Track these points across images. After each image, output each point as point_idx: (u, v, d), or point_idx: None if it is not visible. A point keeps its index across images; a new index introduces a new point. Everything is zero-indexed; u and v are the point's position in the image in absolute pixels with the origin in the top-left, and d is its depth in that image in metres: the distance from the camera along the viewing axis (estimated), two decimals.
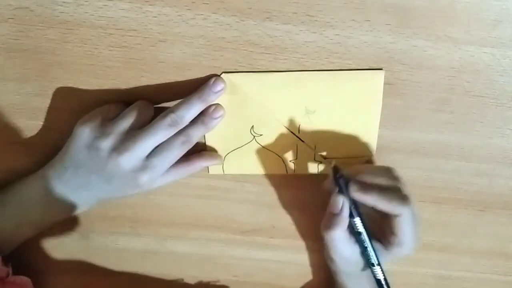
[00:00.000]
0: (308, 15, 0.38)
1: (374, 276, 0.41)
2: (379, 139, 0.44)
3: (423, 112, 0.43)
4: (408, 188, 0.40)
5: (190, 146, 0.41)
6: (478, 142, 0.44)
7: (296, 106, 0.42)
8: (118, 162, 0.38)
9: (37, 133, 0.45)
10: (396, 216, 0.39)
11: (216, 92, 0.40)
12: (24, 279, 0.44)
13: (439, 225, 0.49)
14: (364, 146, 0.44)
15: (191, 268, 0.53)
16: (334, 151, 0.44)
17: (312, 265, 0.53)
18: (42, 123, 0.44)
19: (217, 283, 0.54)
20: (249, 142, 0.44)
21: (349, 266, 0.43)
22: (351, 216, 0.40)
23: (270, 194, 0.48)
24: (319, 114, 0.42)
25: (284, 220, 0.50)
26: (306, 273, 0.53)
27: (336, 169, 0.40)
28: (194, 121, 0.40)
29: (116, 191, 0.41)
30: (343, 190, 0.39)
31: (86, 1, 0.38)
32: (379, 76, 0.40)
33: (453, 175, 0.46)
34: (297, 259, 0.52)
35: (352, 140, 0.44)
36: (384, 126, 0.43)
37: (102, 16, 0.38)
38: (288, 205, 0.49)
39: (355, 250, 0.41)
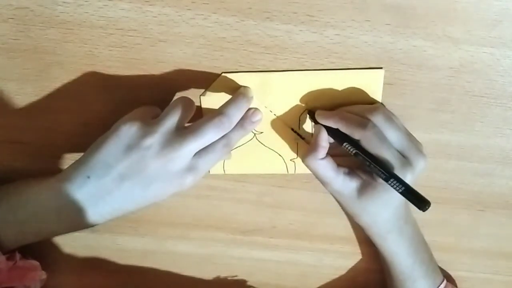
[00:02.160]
0: (308, 15, 0.38)
1: (398, 191, 0.38)
2: None
3: (423, 112, 0.43)
4: (383, 116, 0.39)
5: (230, 150, 0.40)
6: (478, 142, 0.44)
7: (296, 105, 0.42)
8: (165, 162, 0.37)
9: (37, 133, 0.45)
10: (359, 140, 0.39)
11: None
12: (33, 263, 0.44)
13: (439, 225, 0.49)
14: None
15: (191, 268, 0.53)
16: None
17: (312, 265, 0.53)
18: (42, 123, 0.44)
19: (234, 278, 0.54)
20: (249, 141, 0.44)
21: (351, 203, 0.43)
22: (341, 143, 0.40)
23: (270, 194, 0.48)
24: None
25: (284, 220, 0.50)
26: (306, 273, 0.53)
27: (310, 112, 0.42)
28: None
29: (149, 198, 0.39)
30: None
31: (86, 1, 0.38)
32: (379, 74, 0.40)
33: (453, 175, 0.46)
34: (297, 259, 0.52)
35: None
36: None
37: (102, 16, 0.38)
38: (288, 205, 0.49)
39: (348, 183, 0.41)
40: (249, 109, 0.40)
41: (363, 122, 0.39)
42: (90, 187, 0.38)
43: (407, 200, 0.38)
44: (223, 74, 0.41)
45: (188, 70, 0.41)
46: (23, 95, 0.42)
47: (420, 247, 0.47)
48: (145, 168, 0.37)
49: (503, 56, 0.39)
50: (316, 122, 0.41)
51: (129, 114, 0.39)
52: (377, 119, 0.39)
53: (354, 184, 0.41)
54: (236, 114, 0.39)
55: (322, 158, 0.40)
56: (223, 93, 0.41)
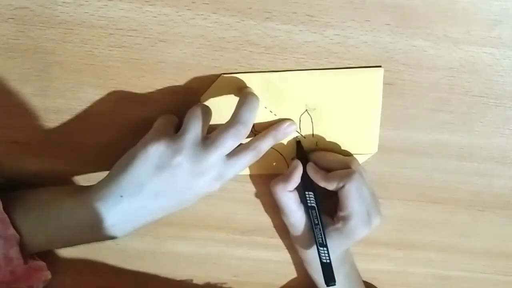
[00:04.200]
0: (308, 15, 0.38)
1: (320, 259, 0.42)
2: (379, 139, 0.44)
3: (423, 112, 0.43)
4: (361, 173, 0.42)
5: (257, 159, 0.41)
6: (478, 142, 0.44)
7: (296, 105, 0.42)
8: (195, 176, 0.38)
9: (37, 133, 0.45)
10: (339, 189, 0.42)
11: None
12: (40, 264, 0.44)
13: (439, 225, 0.49)
14: (365, 144, 0.44)
15: (191, 268, 0.53)
16: (335, 149, 0.44)
17: None
18: (42, 123, 0.44)
19: (224, 285, 0.54)
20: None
21: (301, 239, 0.46)
22: (306, 189, 0.43)
23: (270, 194, 0.48)
24: (320, 112, 0.42)
25: None
26: (306, 273, 0.53)
27: (299, 144, 0.44)
28: (264, 135, 0.41)
29: (180, 206, 0.40)
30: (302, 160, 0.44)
31: (86, 1, 0.38)
32: (378, 73, 0.40)
33: (453, 175, 0.46)
34: (297, 259, 0.52)
35: (353, 138, 0.44)
36: (384, 126, 0.43)
37: (102, 16, 0.38)
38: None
39: (306, 219, 0.44)
40: (284, 120, 0.42)
41: (349, 172, 0.41)
42: (124, 205, 0.38)
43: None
44: (222, 75, 0.41)
45: (188, 70, 0.41)
46: (23, 95, 0.42)
47: (354, 285, 0.49)
48: (176, 183, 0.38)
49: (503, 56, 0.39)
50: (299, 155, 0.44)
51: (152, 132, 0.40)
52: (359, 172, 0.42)
53: (311, 222, 0.44)
54: (250, 118, 0.39)
55: (291, 191, 0.43)
56: (223, 94, 0.41)
